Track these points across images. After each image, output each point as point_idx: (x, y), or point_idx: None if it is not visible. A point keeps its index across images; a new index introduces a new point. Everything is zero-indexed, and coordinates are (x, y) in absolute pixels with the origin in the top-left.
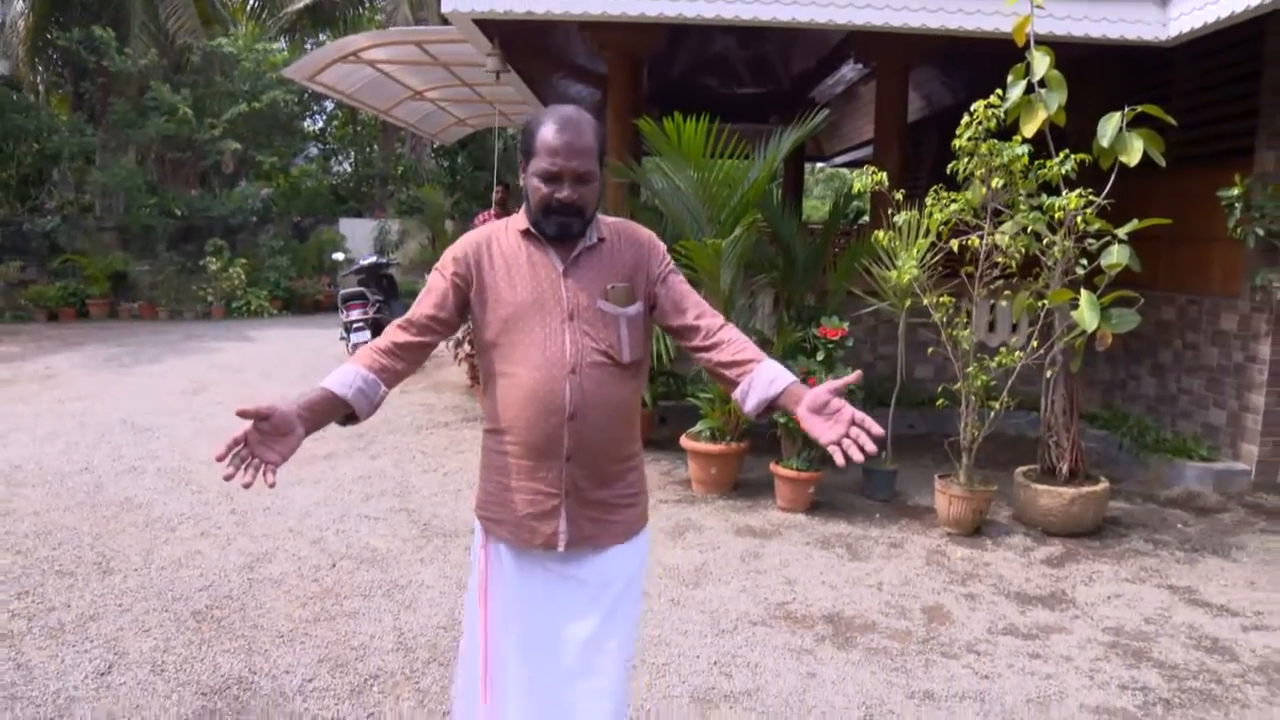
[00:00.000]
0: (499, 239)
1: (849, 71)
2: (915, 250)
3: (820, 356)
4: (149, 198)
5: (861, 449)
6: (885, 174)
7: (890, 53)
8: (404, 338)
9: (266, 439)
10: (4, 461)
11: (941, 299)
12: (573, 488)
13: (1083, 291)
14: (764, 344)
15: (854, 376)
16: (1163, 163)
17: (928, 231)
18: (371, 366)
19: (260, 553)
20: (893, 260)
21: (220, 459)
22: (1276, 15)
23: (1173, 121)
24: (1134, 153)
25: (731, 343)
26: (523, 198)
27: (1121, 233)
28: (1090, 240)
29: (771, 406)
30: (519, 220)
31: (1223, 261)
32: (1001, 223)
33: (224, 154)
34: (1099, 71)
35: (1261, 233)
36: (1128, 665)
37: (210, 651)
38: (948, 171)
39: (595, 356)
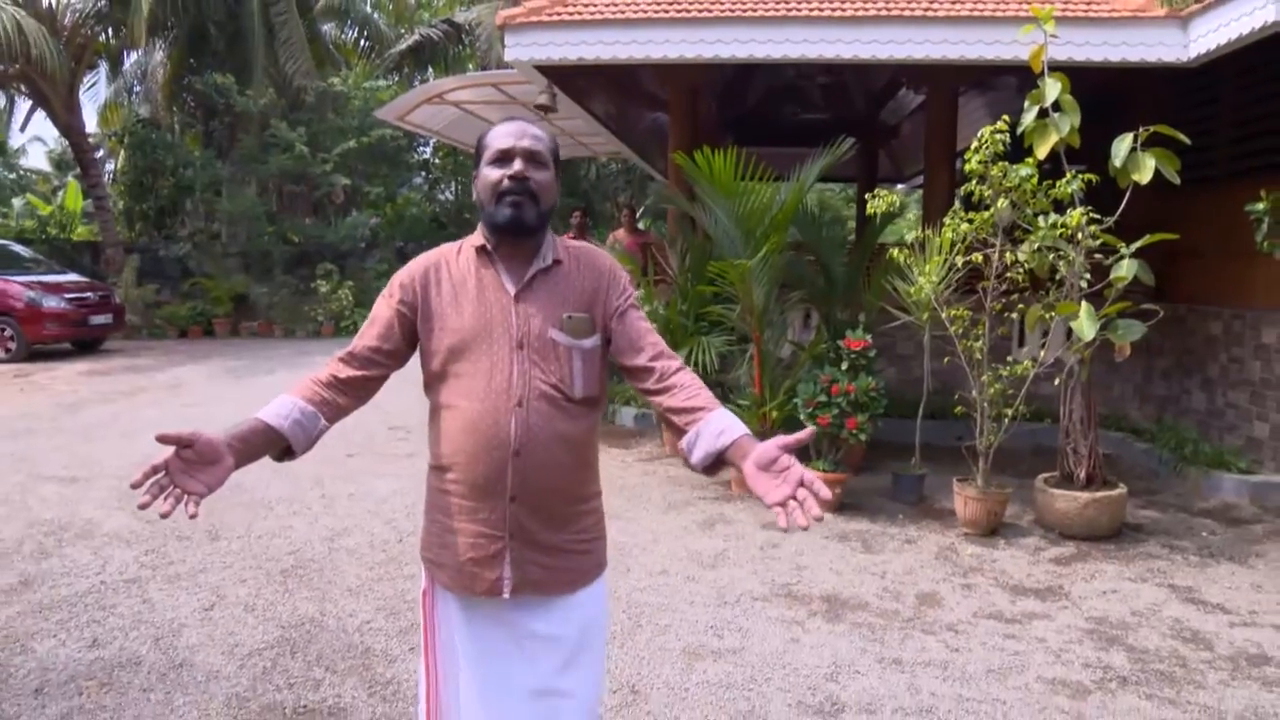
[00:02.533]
0: (450, 261)
1: (914, 94)
2: (930, 267)
3: (844, 366)
4: (268, 226)
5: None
6: (894, 196)
7: (938, 81)
8: (346, 372)
9: (191, 467)
10: (137, 454)
11: (956, 312)
12: (518, 529)
13: (1082, 303)
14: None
15: (807, 434)
16: (1177, 180)
17: (940, 249)
18: (311, 399)
19: (341, 528)
20: (913, 276)
21: (135, 486)
22: None
23: (1186, 140)
24: (1145, 171)
25: (684, 388)
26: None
27: (1128, 249)
28: (1099, 255)
29: (720, 460)
30: (474, 238)
31: (1265, 275)
32: (1016, 240)
33: (335, 186)
34: (1145, 90)
35: None
36: (1098, 648)
37: (292, 599)
38: (961, 193)
39: (544, 389)
